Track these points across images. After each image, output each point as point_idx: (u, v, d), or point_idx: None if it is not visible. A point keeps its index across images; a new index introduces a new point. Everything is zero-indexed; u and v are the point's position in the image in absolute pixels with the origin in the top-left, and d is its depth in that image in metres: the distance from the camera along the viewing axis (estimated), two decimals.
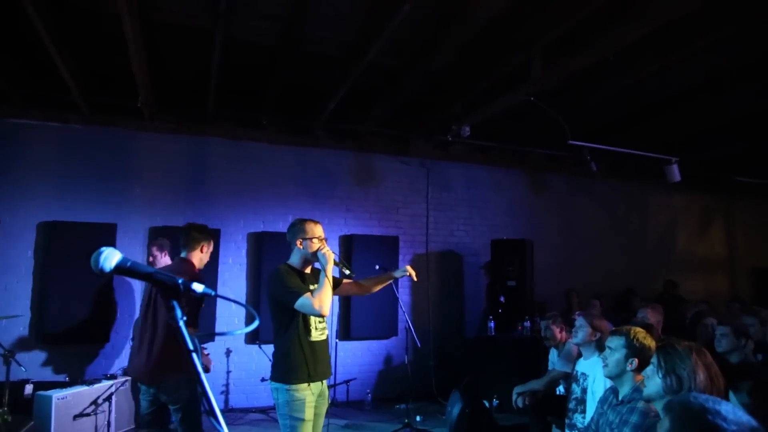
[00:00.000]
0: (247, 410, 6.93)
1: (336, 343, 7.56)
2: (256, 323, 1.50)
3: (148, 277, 1.36)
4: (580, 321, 4.13)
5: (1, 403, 4.75)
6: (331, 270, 3.37)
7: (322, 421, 3.57)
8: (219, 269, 7.07)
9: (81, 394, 5.24)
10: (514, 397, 5.05)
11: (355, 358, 7.76)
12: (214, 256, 7.00)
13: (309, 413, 3.30)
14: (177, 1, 4.89)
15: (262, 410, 6.94)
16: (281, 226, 7.48)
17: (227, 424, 1.23)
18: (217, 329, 6.97)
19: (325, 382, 3.51)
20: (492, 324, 7.50)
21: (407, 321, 6.36)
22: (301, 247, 3.45)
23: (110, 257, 1.32)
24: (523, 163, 9.24)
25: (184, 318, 1.33)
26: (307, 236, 3.44)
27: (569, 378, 4.81)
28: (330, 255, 3.38)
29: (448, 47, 5.38)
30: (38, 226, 6.48)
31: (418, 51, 5.70)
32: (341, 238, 7.91)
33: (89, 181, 6.72)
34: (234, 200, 7.38)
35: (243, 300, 7.28)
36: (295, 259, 3.51)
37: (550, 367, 5.25)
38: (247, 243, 7.41)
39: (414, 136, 8.14)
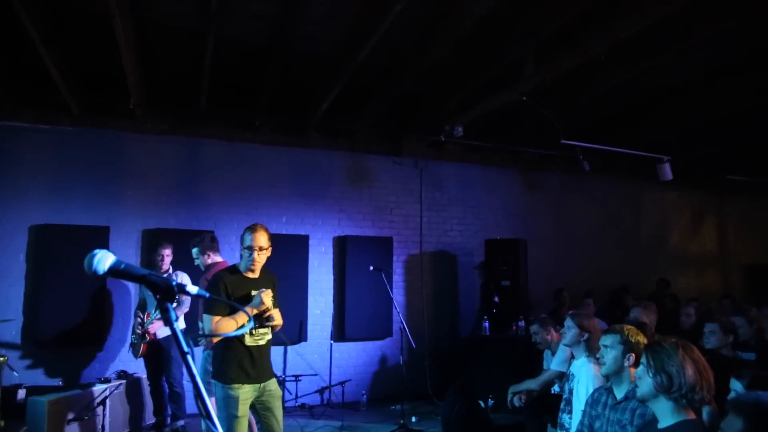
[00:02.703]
0: None
1: (331, 344, 7.56)
2: (250, 324, 1.49)
3: (141, 279, 1.35)
4: (568, 322, 4.11)
5: None
6: (251, 312, 3.45)
7: (278, 414, 3.66)
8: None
9: (75, 398, 5.21)
10: (509, 396, 5.06)
11: (350, 359, 7.75)
12: None
13: (243, 409, 3.43)
14: (168, 1, 4.87)
15: None
16: (275, 228, 7.46)
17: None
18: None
19: (271, 380, 3.63)
20: (486, 324, 7.51)
21: (402, 322, 6.36)
22: (241, 254, 3.73)
23: (103, 260, 1.31)
24: (516, 163, 9.26)
25: (177, 319, 1.32)
26: (244, 245, 3.71)
27: (564, 377, 4.83)
28: (265, 301, 3.55)
29: (440, 47, 5.38)
30: (30, 229, 6.44)
31: (411, 51, 5.70)
32: (335, 239, 7.89)
33: (81, 184, 6.68)
34: (227, 201, 7.35)
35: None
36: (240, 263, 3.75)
37: (545, 367, 5.25)
38: (240, 244, 7.37)
39: (407, 136, 8.14)
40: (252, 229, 3.67)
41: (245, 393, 3.43)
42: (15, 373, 5.04)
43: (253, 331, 3.51)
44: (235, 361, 3.45)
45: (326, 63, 6.01)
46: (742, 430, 1.39)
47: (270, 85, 6.38)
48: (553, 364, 5.00)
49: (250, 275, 3.69)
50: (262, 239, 3.65)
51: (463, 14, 4.79)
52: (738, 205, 11.51)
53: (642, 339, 2.98)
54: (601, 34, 4.94)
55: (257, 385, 3.51)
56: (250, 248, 3.62)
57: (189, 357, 1.28)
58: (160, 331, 5.68)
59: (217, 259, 5.19)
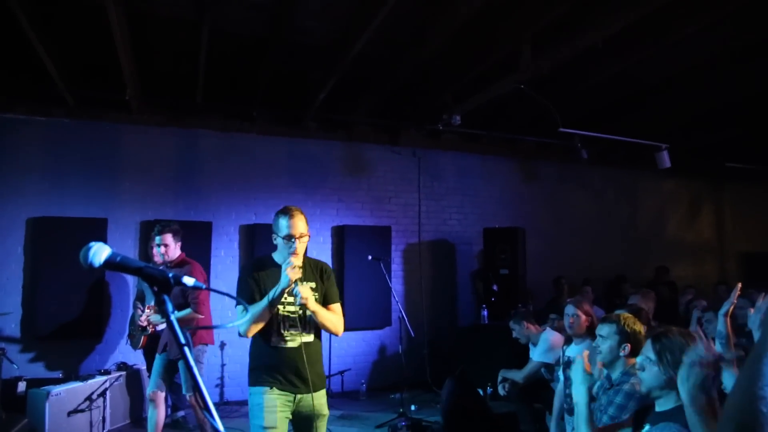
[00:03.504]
0: (242, 403, 6.93)
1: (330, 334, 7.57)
2: (248, 316, 1.49)
3: (138, 272, 1.35)
4: (570, 309, 4.13)
5: None
6: (282, 292, 2.88)
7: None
8: (211, 262, 7.04)
9: (75, 390, 5.23)
10: (499, 379, 5.14)
11: (350, 348, 7.78)
12: (207, 249, 6.98)
13: (269, 419, 2.88)
14: None
15: None
16: (272, 218, 7.46)
17: (223, 417, 1.23)
18: (211, 321, 6.94)
19: (316, 394, 3.01)
20: (485, 312, 7.53)
21: (400, 311, 6.38)
22: (276, 244, 3.05)
23: (99, 252, 1.31)
24: (514, 151, 9.25)
25: (175, 312, 1.33)
26: (280, 234, 3.01)
27: (550, 368, 4.87)
28: (293, 275, 2.85)
29: (437, 36, 5.36)
30: (27, 221, 6.43)
31: (408, 40, 5.68)
32: (333, 229, 7.90)
33: (78, 176, 6.67)
34: (225, 192, 7.34)
35: (235, 292, 7.24)
36: (275, 253, 3.12)
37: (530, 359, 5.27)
38: (239, 235, 7.38)
39: (405, 126, 8.12)
40: (287, 212, 3.01)
41: (272, 400, 2.91)
42: (15, 366, 5.06)
43: (283, 332, 2.99)
44: (261, 364, 3.00)
45: (323, 53, 5.98)
46: None
47: (266, 76, 6.35)
48: (535, 355, 5.02)
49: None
50: (301, 224, 3.01)
51: (460, 3, 4.77)
52: (735, 193, 11.52)
53: (639, 328, 2.99)
54: (599, 23, 4.92)
55: (291, 396, 2.96)
56: (289, 237, 2.96)
57: (186, 348, 1.28)
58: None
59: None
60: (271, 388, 2.94)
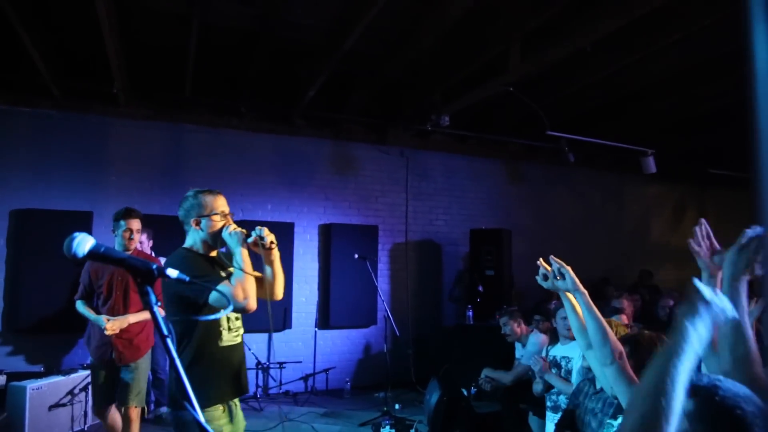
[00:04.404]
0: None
1: (315, 331, 7.59)
2: (230, 308, 1.50)
3: (121, 263, 1.35)
4: (561, 312, 4.16)
5: None
6: (246, 252, 2.58)
7: None
8: None
9: (57, 384, 5.18)
10: (482, 376, 5.17)
11: (335, 346, 7.78)
12: None
13: None
14: None
15: (241, 399, 6.91)
16: (260, 215, 7.45)
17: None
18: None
19: (237, 401, 2.71)
20: (470, 313, 7.56)
21: (386, 310, 6.40)
22: (199, 228, 2.66)
23: (83, 243, 1.31)
24: (502, 153, 9.29)
25: (158, 303, 1.33)
26: (206, 212, 2.68)
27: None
28: (241, 233, 2.63)
29: (427, 36, 5.38)
30: (11, 213, 6.36)
31: (397, 39, 5.69)
32: (320, 227, 7.89)
33: (63, 168, 6.60)
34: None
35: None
36: (191, 243, 2.71)
37: (517, 356, 5.30)
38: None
39: (393, 125, 8.14)
40: (215, 192, 2.84)
41: (228, 423, 2.57)
42: None
43: (230, 323, 2.65)
44: (212, 375, 2.53)
45: (312, 50, 5.97)
46: (692, 412, 1.43)
47: (255, 72, 6.34)
48: (524, 358, 5.05)
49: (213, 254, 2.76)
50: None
51: (450, 4, 4.79)
52: (719, 199, 11.65)
53: (622, 332, 3.02)
54: (587, 27, 4.97)
55: (234, 406, 2.66)
56: (226, 214, 2.78)
57: (168, 340, 1.28)
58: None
59: None
60: (224, 406, 2.56)
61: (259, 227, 2.65)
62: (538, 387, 4.23)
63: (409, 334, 7.85)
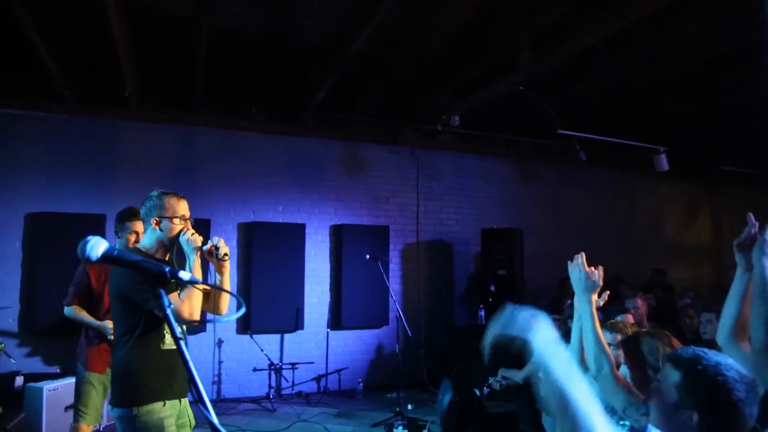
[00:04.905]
0: (239, 400, 6.94)
1: (327, 332, 7.60)
2: (242, 310, 1.50)
3: (134, 266, 1.36)
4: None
5: None
6: (198, 261, 2.64)
7: None
8: None
9: (72, 385, 5.20)
10: (498, 376, 5.14)
11: (347, 347, 7.79)
12: None
13: None
14: None
15: (254, 400, 6.96)
16: (271, 216, 7.48)
17: (219, 414, 1.24)
18: (207, 317, 6.96)
19: (185, 400, 2.67)
20: (482, 312, 7.55)
21: (398, 310, 6.40)
22: (158, 228, 2.66)
23: (96, 246, 1.32)
24: (513, 152, 9.26)
25: (171, 306, 1.34)
26: (167, 214, 2.67)
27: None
28: (197, 240, 2.64)
29: (435, 36, 5.37)
30: (26, 217, 6.44)
31: (406, 40, 5.68)
32: (331, 228, 7.90)
33: (76, 172, 6.67)
34: (224, 190, 7.35)
35: (234, 289, 7.27)
36: (148, 243, 2.70)
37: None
38: (237, 233, 7.39)
39: (403, 125, 8.13)
40: (178, 194, 2.80)
41: (169, 416, 2.52)
42: (12, 360, 5.06)
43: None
44: (151, 374, 2.51)
45: (321, 52, 5.99)
46: (679, 383, 1.47)
47: (265, 74, 6.36)
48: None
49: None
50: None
51: (458, 3, 4.78)
52: (733, 196, 11.53)
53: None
54: (598, 24, 4.93)
55: (177, 403, 2.60)
56: (186, 218, 2.76)
57: (182, 342, 1.29)
58: None
59: None
60: (164, 403, 2.52)
61: (216, 238, 2.70)
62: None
63: (421, 334, 7.84)
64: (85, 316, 3.93)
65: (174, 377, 2.57)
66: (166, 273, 1.34)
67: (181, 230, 2.67)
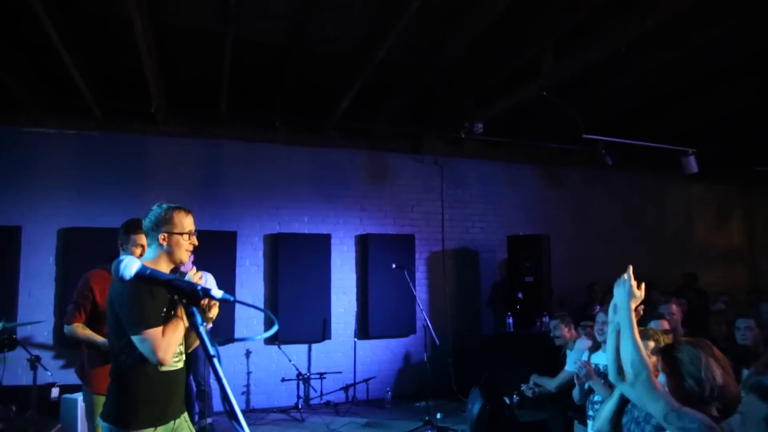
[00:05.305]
0: (268, 410, 6.97)
1: (355, 342, 7.60)
2: (275, 328, 1.51)
3: (166, 284, 1.38)
4: (601, 317, 4.09)
5: (28, 406, 4.84)
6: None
7: None
8: (236, 271, 7.12)
9: None
10: (530, 383, 5.08)
11: (374, 356, 7.78)
12: (232, 259, 7.06)
13: None
14: (187, 4, 4.92)
15: (283, 410, 6.99)
16: (297, 227, 7.53)
17: (249, 424, 1.24)
18: (236, 330, 7.02)
19: (180, 419, 2.62)
20: (510, 320, 7.47)
21: (425, 319, 6.37)
22: (165, 243, 2.60)
23: (130, 265, 1.35)
24: (537, 158, 9.17)
25: (204, 324, 1.35)
26: (176, 230, 2.62)
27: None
28: (197, 279, 2.58)
29: (458, 43, 5.37)
30: (58, 232, 6.58)
31: (429, 47, 5.69)
32: (357, 238, 7.92)
33: (107, 187, 6.80)
34: (249, 202, 7.42)
35: (261, 300, 7.32)
36: (152, 256, 2.65)
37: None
38: (263, 244, 7.45)
39: (426, 133, 8.12)
40: (185, 208, 2.78)
41: None
42: (48, 373, 5.16)
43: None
44: (146, 398, 2.44)
45: (344, 62, 6.02)
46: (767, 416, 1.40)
47: (289, 85, 6.43)
48: (568, 365, 4.94)
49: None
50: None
51: (481, 10, 4.77)
52: (766, 197, 11.26)
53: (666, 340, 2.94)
54: (622, 26, 4.87)
55: (170, 425, 2.55)
56: (192, 233, 2.74)
57: (215, 360, 1.30)
58: None
59: None
60: (155, 429, 2.45)
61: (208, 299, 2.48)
62: (576, 394, 4.15)
63: (449, 342, 7.79)
64: (90, 334, 3.66)
65: (171, 399, 2.54)
66: (198, 291, 1.36)
67: (186, 245, 2.65)
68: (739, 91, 6.89)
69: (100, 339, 3.54)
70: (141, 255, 3.67)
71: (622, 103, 7.41)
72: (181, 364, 2.60)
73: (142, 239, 3.71)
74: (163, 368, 2.46)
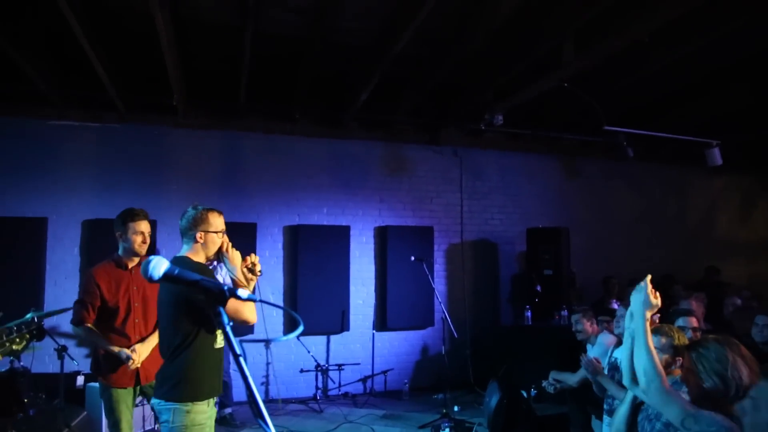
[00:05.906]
0: (286, 401, 7.05)
1: (373, 333, 7.65)
2: (300, 329, 1.53)
3: (194, 285, 1.40)
4: (621, 311, 4.06)
5: (56, 394, 4.96)
6: (242, 274, 2.92)
7: None
8: None
9: None
10: (550, 379, 5.06)
11: (392, 348, 7.81)
12: (251, 250, 7.09)
13: None
14: None
15: (302, 401, 7.06)
16: (316, 219, 7.57)
17: (269, 414, 1.26)
18: (257, 324, 7.08)
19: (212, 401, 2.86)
20: (529, 313, 7.45)
21: (443, 311, 6.39)
22: (202, 241, 2.90)
23: (158, 266, 1.37)
24: (557, 150, 9.09)
25: (231, 323, 1.37)
26: (211, 229, 2.92)
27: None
28: (238, 255, 2.94)
29: (477, 35, 5.32)
30: (83, 223, 6.69)
31: (448, 39, 5.66)
32: (376, 230, 7.94)
33: (128, 179, 6.89)
34: (269, 193, 7.47)
35: (280, 291, 7.38)
36: (194, 252, 2.94)
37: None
38: (283, 236, 7.50)
39: (445, 125, 8.09)
40: (215, 209, 3.03)
41: (209, 418, 2.78)
42: (75, 362, 5.27)
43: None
44: (205, 373, 2.75)
45: (363, 54, 6.02)
46: None
47: (307, 78, 6.44)
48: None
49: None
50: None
51: (500, 1, 4.73)
52: None
53: (686, 341, 2.90)
54: (644, 17, 4.80)
55: (213, 400, 2.85)
56: (224, 232, 3.01)
57: (242, 359, 1.32)
58: None
59: None
60: (208, 403, 2.76)
61: (253, 255, 2.98)
62: (596, 387, 4.14)
63: (467, 335, 7.81)
64: (100, 337, 3.63)
65: (220, 375, 2.88)
66: (225, 292, 1.38)
67: (221, 243, 2.95)
68: (764, 82, 6.75)
69: (111, 347, 3.54)
70: (142, 242, 3.84)
71: (643, 94, 7.32)
72: (223, 343, 2.85)
73: (141, 226, 3.87)
74: (216, 345, 2.78)
